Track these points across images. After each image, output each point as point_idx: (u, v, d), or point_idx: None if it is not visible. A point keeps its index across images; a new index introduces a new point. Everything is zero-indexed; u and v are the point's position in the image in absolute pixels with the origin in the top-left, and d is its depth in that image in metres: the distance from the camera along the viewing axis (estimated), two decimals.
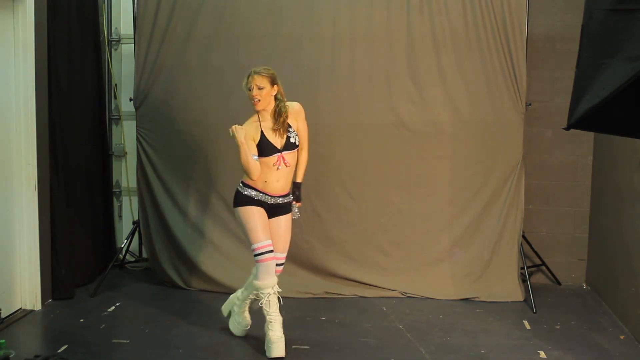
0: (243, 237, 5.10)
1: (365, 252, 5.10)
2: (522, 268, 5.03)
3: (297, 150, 3.95)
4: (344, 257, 5.11)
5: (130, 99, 5.25)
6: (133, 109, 5.26)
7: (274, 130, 3.88)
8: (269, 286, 3.85)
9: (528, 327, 4.44)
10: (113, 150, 5.85)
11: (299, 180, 4.04)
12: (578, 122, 2.22)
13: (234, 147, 5.10)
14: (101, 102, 5.59)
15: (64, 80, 4.88)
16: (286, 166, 3.89)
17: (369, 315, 4.61)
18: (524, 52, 4.88)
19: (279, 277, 3.97)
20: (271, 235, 3.93)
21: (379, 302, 4.87)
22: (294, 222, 5.07)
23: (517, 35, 4.87)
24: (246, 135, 3.83)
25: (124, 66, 5.83)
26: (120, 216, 5.96)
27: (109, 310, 4.67)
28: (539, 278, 5.48)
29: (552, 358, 3.91)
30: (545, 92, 5.36)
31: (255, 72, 3.85)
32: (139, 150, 5.20)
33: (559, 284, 5.42)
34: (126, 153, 5.87)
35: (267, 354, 3.86)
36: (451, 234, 5.06)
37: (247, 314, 4.19)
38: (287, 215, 4.04)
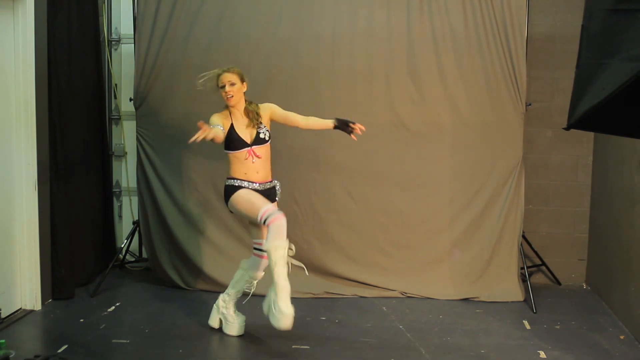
0: (243, 237, 5.12)
1: (365, 252, 5.10)
2: (522, 268, 5.03)
3: (268, 145, 4.07)
4: (344, 257, 5.12)
5: (130, 99, 5.25)
6: (133, 109, 5.26)
7: (247, 126, 4.03)
8: (279, 247, 3.67)
9: (528, 327, 4.44)
10: (113, 150, 5.85)
11: (332, 121, 4.11)
12: (578, 122, 2.22)
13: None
14: (101, 102, 5.59)
15: (64, 80, 4.88)
16: (258, 158, 4.01)
17: (369, 315, 4.61)
18: (524, 52, 4.88)
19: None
20: None
21: (379, 302, 4.87)
22: (295, 222, 5.10)
23: (517, 35, 4.87)
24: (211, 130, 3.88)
25: (124, 66, 5.83)
26: (120, 216, 5.96)
27: (109, 310, 4.67)
28: (539, 278, 5.48)
29: (552, 358, 3.91)
30: (545, 92, 5.36)
31: (225, 71, 4.04)
32: (139, 150, 5.20)
33: (559, 284, 5.42)
34: (126, 153, 5.87)
35: (273, 322, 3.66)
36: (451, 234, 5.06)
37: (236, 312, 4.24)
38: (275, 202, 4.13)
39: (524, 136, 4.98)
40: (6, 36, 4.42)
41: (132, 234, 5.40)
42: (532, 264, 5.37)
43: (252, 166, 4.01)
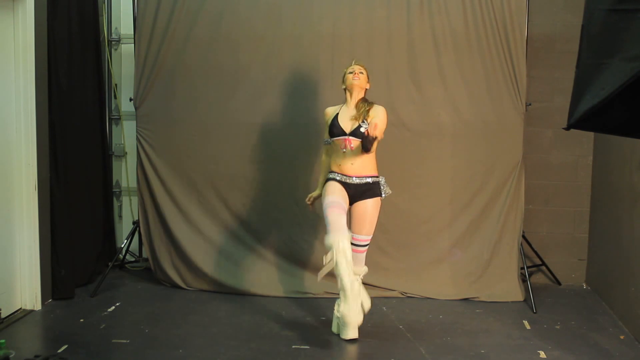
0: (243, 237, 5.14)
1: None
2: (522, 268, 5.03)
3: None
4: None
5: (130, 99, 5.25)
6: (133, 109, 5.26)
7: (351, 118, 4.13)
8: (333, 240, 3.83)
9: (528, 327, 4.44)
10: (113, 150, 5.85)
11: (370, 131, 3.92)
12: (578, 122, 2.22)
13: (234, 147, 5.14)
14: (101, 102, 5.59)
15: (64, 80, 4.88)
16: (350, 149, 4.09)
17: (369, 315, 4.59)
18: (524, 52, 4.88)
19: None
20: (352, 218, 4.14)
21: (379, 302, 4.86)
22: (294, 222, 5.10)
23: (517, 35, 4.87)
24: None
25: (124, 66, 5.83)
26: (120, 216, 5.96)
27: (109, 310, 4.67)
28: (539, 278, 5.48)
29: (552, 358, 3.91)
30: (545, 92, 5.36)
31: (357, 62, 4.28)
32: (139, 150, 5.20)
33: (559, 284, 5.42)
34: (126, 153, 5.87)
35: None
36: (451, 234, 5.06)
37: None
38: (371, 199, 4.11)
39: (524, 136, 4.98)
40: (6, 36, 4.42)
41: (132, 234, 5.40)
42: (532, 264, 5.37)
43: (346, 156, 4.10)
